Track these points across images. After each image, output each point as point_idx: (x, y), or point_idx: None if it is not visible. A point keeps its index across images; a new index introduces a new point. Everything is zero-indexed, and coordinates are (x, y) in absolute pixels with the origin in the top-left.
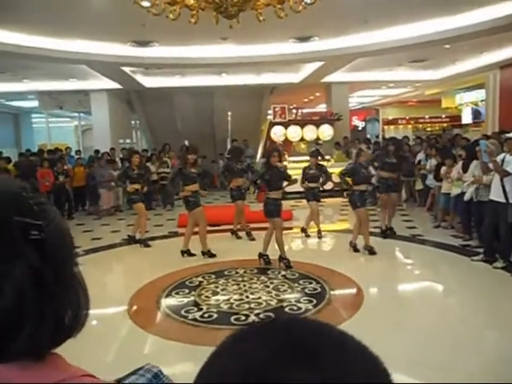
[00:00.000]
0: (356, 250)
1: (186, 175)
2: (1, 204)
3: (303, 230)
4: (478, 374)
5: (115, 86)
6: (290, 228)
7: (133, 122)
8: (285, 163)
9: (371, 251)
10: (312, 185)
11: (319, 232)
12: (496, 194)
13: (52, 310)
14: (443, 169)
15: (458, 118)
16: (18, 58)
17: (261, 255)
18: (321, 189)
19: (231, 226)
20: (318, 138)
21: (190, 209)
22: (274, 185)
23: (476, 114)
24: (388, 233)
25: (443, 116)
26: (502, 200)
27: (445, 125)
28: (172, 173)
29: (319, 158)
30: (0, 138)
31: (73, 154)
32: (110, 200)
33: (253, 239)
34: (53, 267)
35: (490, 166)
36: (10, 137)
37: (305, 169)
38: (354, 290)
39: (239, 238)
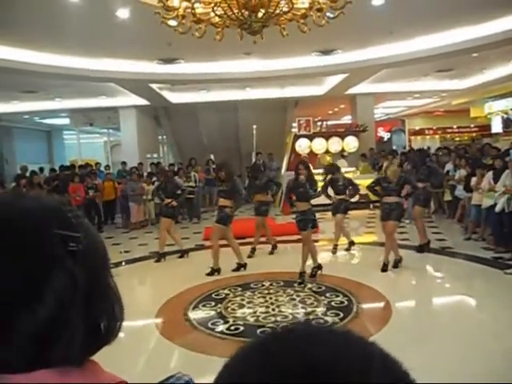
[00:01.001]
0: (396, 265)
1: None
2: (42, 217)
3: (351, 243)
4: None
5: (143, 102)
6: (316, 241)
7: (160, 137)
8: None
9: (383, 268)
10: (340, 197)
11: (335, 247)
12: None
13: (89, 319)
14: (473, 179)
15: (488, 127)
16: (51, 78)
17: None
18: (352, 201)
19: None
20: (343, 150)
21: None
22: (299, 197)
23: (507, 122)
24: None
25: (472, 125)
26: None
27: (474, 134)
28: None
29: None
30: (34, 154)
31: (102, 168)
32: (140, 214)
33: (271, 253)
34: (89, 277)
35: None
36: (44, 153)
37: (331, 181)
38: (381, 304)
39: (250, 256)
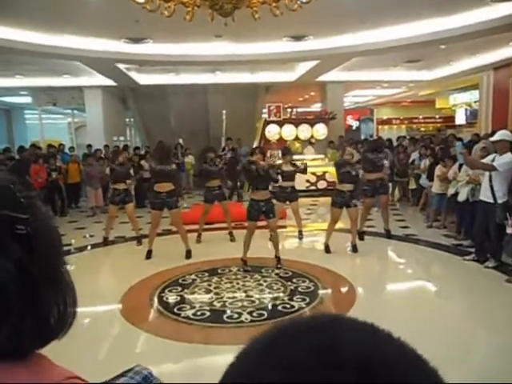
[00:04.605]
0: (328, 250)
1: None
2: None
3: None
4: (469, 372)
5: (109, 82)
6: (284, 226)
7: (127, 120)
8: (278, 162)
9: (354, 249)
10: (285, 184)
11: (300, 233)
12: (485, 195)
13: (36, 308)
14: (437, 168)
15: (452, 118)
16: (11, 54)
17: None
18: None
19: (224, 225)
20: (312, 137)
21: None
22: (257, 185)
23: (473, 114)
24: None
25: (437, 116)
26: (491, 200)
27: (439, 125)
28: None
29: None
30: None
31: (66, 150)
32: (98, 199)
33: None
34: (39, 263)
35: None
36: (2, 133)
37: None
38: (346, 289)
39: (232, 239)
